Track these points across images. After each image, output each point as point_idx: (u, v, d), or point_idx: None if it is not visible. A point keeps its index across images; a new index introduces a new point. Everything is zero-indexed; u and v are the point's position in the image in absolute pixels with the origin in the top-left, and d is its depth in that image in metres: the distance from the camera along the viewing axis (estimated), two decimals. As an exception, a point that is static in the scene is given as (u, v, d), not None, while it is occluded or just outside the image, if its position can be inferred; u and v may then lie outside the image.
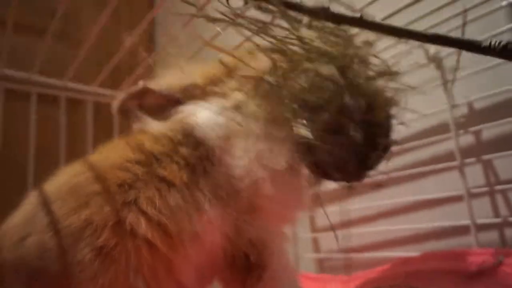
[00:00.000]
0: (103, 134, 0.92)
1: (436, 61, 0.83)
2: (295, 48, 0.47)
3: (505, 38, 0.71)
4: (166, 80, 0.62)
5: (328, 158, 0.52)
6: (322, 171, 0.54)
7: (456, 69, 0.65)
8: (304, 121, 0.47)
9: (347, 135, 0.50)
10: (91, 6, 1.48)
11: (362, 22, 0.40)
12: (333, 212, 0.98)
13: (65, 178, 0.51)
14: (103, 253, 0.45)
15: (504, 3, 0.71)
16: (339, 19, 0.41)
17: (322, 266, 1.07)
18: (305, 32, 0.48)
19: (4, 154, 0.78)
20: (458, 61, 0.65)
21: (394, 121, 0.58)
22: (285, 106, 0.48)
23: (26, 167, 0.80)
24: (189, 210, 0.50)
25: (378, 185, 0.83)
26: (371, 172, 0.57)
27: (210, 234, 0.52)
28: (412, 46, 0.77)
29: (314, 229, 1.09)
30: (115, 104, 0.61)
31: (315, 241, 1.09)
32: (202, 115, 0.57)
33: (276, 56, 0.48)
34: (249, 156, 0.53)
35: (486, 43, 0.38)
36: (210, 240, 0.52)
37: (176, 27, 0.67)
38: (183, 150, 0.54)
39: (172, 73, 0.63)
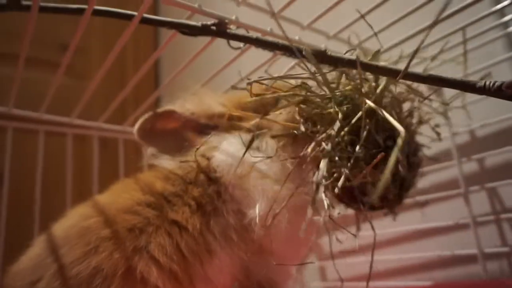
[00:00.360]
0: (110, 168, 0.93)
1: (436, 89, 0.84)
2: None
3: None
4: (192, 105, 0.61)
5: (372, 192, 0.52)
6: (370, 205, 0.54)
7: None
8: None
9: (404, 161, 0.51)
10: (99, 42, 1.53)
11: (351, 62, 0.41)
12: (340, 240, 0.99)
13: (74, 221, 0.51)
14: None
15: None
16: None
17: (330, 295, 1.06)
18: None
19: (12, 189, 0.79)
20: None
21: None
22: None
23: (34, 202, 0.81)
24: (200, 254, 0.49)
25: (423, 205, 0.83)
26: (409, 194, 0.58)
27: (221, 277, 0.51)
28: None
29: (321, 257, 1.08)
30: (137, 125, 0.61)
31: (322, 269, 1.08)
32: (224, 150, 0.56)
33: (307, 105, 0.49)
34: (265, 196, 0.52)
35: (481, 84, 0.39)
36: (221, 283, 0.51)
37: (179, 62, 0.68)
38: (195, 190, 0.52)
39: (195, 99, 0.63)
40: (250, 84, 0.45)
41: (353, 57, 0.43)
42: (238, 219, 0.52)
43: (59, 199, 0.84)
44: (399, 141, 0.33)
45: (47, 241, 0.49)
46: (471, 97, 0.75)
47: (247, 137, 0.57)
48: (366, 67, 0.42)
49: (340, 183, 0.45)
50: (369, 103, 0.42)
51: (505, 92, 0.37)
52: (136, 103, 0.66)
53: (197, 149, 0.56)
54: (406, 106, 0.61)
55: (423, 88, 0.72)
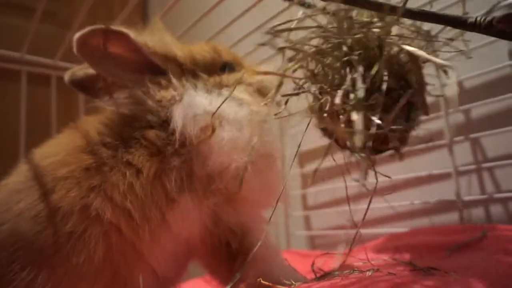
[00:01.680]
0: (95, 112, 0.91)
1: (428, 38, 0.83)
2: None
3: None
4: (149, 38, 0.56)
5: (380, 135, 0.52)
6: (375, 148, 0.54)
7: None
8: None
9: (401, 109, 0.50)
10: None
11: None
12: (324, 190, 1.01)
13: (33, 161, 0.50)
14: (73, 238, 0.45)
15: None
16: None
17: (314, 243, 1.09)
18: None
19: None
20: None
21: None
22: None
23: (18, 146, 0.80)
24: (158, 199, 0.49)
25: (401, 156, 0.83)
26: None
27: (185, 225, 0.51)
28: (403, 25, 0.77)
29: (306, 207, 1.11)
30: (81, 34, 0.52)
31: (307, 219, 1.11)
32: (187, 103, 0.53)
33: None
34: (232, 145, 0.51)
35: (472, 20, 0.38)
36: (185, 231, 0.51)
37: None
38: (155, 135, 0.51)
39: (155, 34, 0.58)
40: (274, 32, 0.43)
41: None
42: (204, 170, 0.51)
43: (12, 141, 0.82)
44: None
45: (8, 185, 0.50)
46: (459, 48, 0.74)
47: (208, 87, 0.56)
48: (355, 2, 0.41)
49: (372, 131, 0.44)
50: (406, 47, 0.41)
51: (495, 27, 0.36)
52: None
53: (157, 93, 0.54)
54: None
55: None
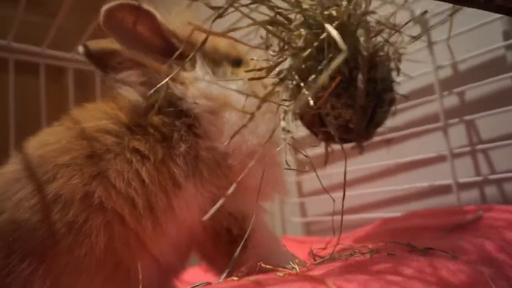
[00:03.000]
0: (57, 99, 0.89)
1: (422, 22, 0.83)
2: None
3: None
4: (172, 20, 0.56)
5: (337, 122, 0.52)
6: (332, 136, 0.54)
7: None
8: (306, 90, 0.46)
9: (353, 96, 0.50)
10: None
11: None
12: (319, 176, 1.01)
13: (32, 150, 0.49)
14: (74, 228, 0.44)
15: None
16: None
17: (309, 229, 1.10)
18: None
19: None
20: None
21: (394, 76, 0.59)
22: (285, 78, 0.46)
23: (7, 136, 0.78)
24: (165, 184, 0.48)
25: (388, 142, 0.83)
26: (379, 129, 0.58)
27: (188, 209, 0.50)
28: (398, 8, 0.76)
29: (301, 194, 1.11)
30: (109, 6, 0.52)
31: (302, 206, 1.11)
32: (200, 86, 0.53)
33: (275, 28, 0.47)
34: (240, 131, 0.51)
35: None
36: (188, 216, 0.51)
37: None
38: (161, 121, 0.50)
39: (176, 17, 0.58)
40: None
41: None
42: (211, 153, 0.51)
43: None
44: (338, 59, 0.32)
45: (5, 174, 0.48)
46: (454, 30, 0.74)
47: (216, 73, 0.56)
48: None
49: (297, 106, 0.44)
50: (327, 25, 0.41)
51: (494, 2, 0.36)
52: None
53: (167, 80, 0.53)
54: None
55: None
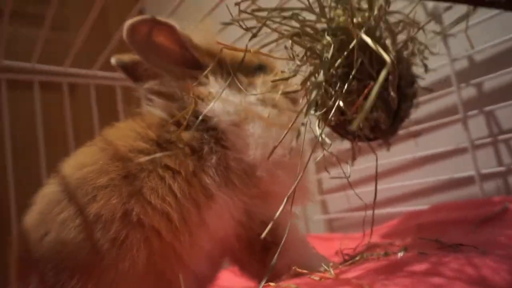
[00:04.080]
0: (107, 117, 0.93)
1: (435, 16, 0.83)
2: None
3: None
4: (193, 33, 0.58)
5: (368, 123, 0.53)
6: (359, 136, 0.55)
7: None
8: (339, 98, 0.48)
9: (384, 99, 0.51)
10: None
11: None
12: (341, 172, 1.02)
13: (70, 171, 0.51)
14: (116, 244, 0.46)
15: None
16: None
17: (331, 226, 1.11)
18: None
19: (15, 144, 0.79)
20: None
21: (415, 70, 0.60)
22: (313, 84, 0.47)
23: (36, 154, 0.81)
24: (196, 197, 0.50)
25: (416, 135, 0.84)
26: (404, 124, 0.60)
27: (221, 221, 0.52)
28: (411, 2, 0.76)
29: (321, 191, 1.12)
30: (131, 23, 0.54)
31: (323, 203, 1.12)
32: (221, 100, 0.54)
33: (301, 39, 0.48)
34: (264, 142, 0.52)
35: (491, -2, 0.38)
36: (221, 227, 0.52)
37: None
38: (189, 136, 0.52)
39: (199, 30, 0.59)
40: (237, 4, 0.43)
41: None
42: (240, 164, 0.53)
43: (62, 148, 0.84)
44: (383, 72, 0.33)
45: (47, 196, 0.50)
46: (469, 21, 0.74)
47: (241, 87, 0.56)
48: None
49: (331, 114, 0.46)
50: (361, 34, 0.42)
51: (515, 3, 0.36)
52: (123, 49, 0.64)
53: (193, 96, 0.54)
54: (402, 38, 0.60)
55: (421, 17, 0.70)
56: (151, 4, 1.56)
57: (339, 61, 0.46)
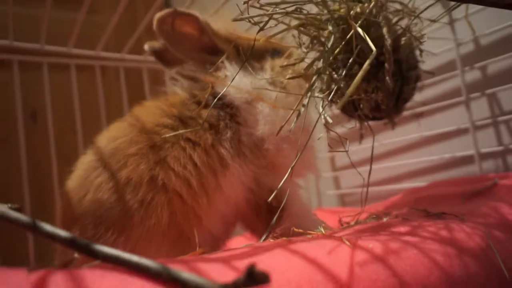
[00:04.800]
0: (134, 96, 1.02)
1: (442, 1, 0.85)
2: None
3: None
4: (213, 21, 0.65)
5: (369, 103, 0.59)
6: (366, 115, 0.62)
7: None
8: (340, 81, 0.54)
9: (382, 80, 0.57)
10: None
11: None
12: (350, 151, 1.07)
13: (103, 144, 0.59)
14: (144, 205, 0.54)
15: None
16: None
17: (343, 201, 1.17)
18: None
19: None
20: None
21: (417, 54, 0.65)
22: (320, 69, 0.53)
23: (74, 130, 0.91)
24: (214, 166, 0.58)
25: (419, 115, 0.89)
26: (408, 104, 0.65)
27: (234, 187, 0.60)
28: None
29: (334, 168, 1.18)
30: (159, 15, 0.62)
31: (336, 179, 1.19)
32: (234, 82, 0.61)
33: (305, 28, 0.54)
34: (272, 120, 0.60)
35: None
36: (233, 192, 0.61)
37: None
38: (210, 113, 0.60)
39: (217, 18, 0.67)
40: (246, 3, 0.49)
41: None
42: (251, 138, 0.61)
43: (95, 124, 0.94)
44: (368, 61, 0.39)
45: (83, 164, 0.60)
46: (473, 7, 0.77)
47: (255, 70, 0.64)
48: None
49: (331, 96, 0.52)
50: (355, 26, 0.47)
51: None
52: (148, 39, 0.71)
53: (211, 80, 0.62)
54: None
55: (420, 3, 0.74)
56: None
57: (337, 49, 0.52)
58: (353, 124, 0.71)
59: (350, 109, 0.64)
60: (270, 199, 0.50)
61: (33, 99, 1.17)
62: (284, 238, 0.45)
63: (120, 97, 0.95)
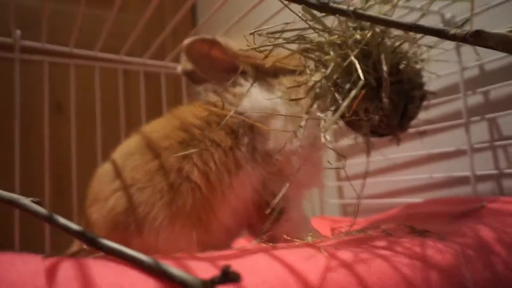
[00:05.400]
0: (153, 99, 1.08)
1: (452, 25, 0.88)
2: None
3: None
4: (233, 44, 0.72)
5: (370, 123, 0.64)
6: (372, 131, 0.66)
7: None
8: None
9: (382, 101, 0.61)
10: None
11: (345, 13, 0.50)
12: (355, 164, 1.11)
13: (142, 135, 0.69)
14: (174, 187, 0.63)
15: None
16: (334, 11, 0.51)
17: (346, 210, 1.21)
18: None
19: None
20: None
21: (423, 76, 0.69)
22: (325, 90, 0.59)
23: (94, 129, 0.98)
24: (229, 166, 0.66)
25: (422, 134, 0.93)
26: (413, 122, 0.69)
27: (244, 187, 0.67)
28: (428, 12, 0.83)
29: (339, 178, 1.22)
30: (185, 43, 0.71)
31: (340, 189, 1.22)
32: (251, 98, 0.69)
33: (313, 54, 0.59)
34: (282, 135, 0.66)
35: (452, 32, 0.47)
36: (243, 191, 0.68)
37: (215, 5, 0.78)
38: (231, 120, 0.67)
39: (238, 40, 0.72)
40: (252, 34, 0.54)
41: (348, 7, 0.51)
42: (264, 147, 0.68)
43: (114, 125, 1.01)
44: (354, 91, 0.43)
45: (122, 148, 0.69)
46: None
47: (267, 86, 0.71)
48: (358, 16, 0.50)
49: (336, 116, 0.56)
50: (352, 57, 0.52)
51: (469, 39, 0.45)
52: (174, 41, 0.76)
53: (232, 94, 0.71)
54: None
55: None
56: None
57: (336, 74, 0.57)
58: (357, 138, 0.75)
59: (355, 125, 0.69)
60: (274, 202, 0.55)
61: (58, 92, 1.25)
62: (271, 244, 0.49)
63: (139, 97, 1.02)
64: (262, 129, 0.68)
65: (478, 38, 0.45)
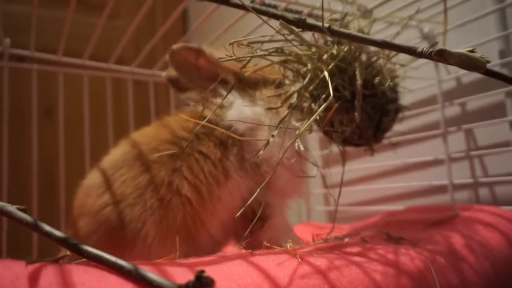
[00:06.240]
0: (142, 106, 1.10)
1: (430, 38, 0.92)
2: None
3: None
4: (217, 53, 0.72)
5: (344, 135, 0.66)
6: (347, 141, 0.69)
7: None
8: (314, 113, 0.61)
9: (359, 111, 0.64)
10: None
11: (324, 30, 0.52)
12: (340, 172, 1.14)
13: (128, 148, 0.68)
14: (163, 203, 0.62)
15: None
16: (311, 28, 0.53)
17: (332, 217, 1.23)
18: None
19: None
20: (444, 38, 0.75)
21: (399, 90, 0.72)
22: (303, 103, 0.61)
23: (82, 134, 0.99)
24: (218, 177, 0.66)
25: (394, 145, 0.96)
26: (387, 134, 0.72)
27: (232, 197, 0.68)
28: (407, 27, 0.86)
29: (325, 185, 1.24)
30: (172, 49, 0.70)
31: (326, 196, 1.25)
32: (236, 109, 0.69)
33: (292, 65, 0.62)
34: (269, 146, 0.66)
35: (419, 50, 0.50)
36: (232, 202, 0.68)
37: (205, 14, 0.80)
38: (219, 131, 0.67)
39: (221, 50, 0.72)
40: (231, 44, 0.56)
41: (323, 24, 0.53)
42: (252, 157, 0.69)
43: (102, 131, 1.03)
44: (322, 106, 0.46)
45: (108, 161, 0.68)
46: (456, 47, 0.83)
47: (251, 99, 0.71)
48: (333, 33, 0.53)
49: (306, 126, 0.58)
50: (325, 72, 0.54)
51: (433, 57, 0.48)
52: (164, 49, 0.78)
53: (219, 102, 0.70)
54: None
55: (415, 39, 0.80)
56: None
57: (311, 86, 0.59)
58: (332, 147, 0.78)
59: (331, 135, 0.71)
60: (260, 211, 0.58)
61: (48, 97, 1.26)
62: (249, 251, 0.51)
63: (127, 104, 1.03)
64: (250, 141, 0.69)
65: (441, 56, 0.48)
